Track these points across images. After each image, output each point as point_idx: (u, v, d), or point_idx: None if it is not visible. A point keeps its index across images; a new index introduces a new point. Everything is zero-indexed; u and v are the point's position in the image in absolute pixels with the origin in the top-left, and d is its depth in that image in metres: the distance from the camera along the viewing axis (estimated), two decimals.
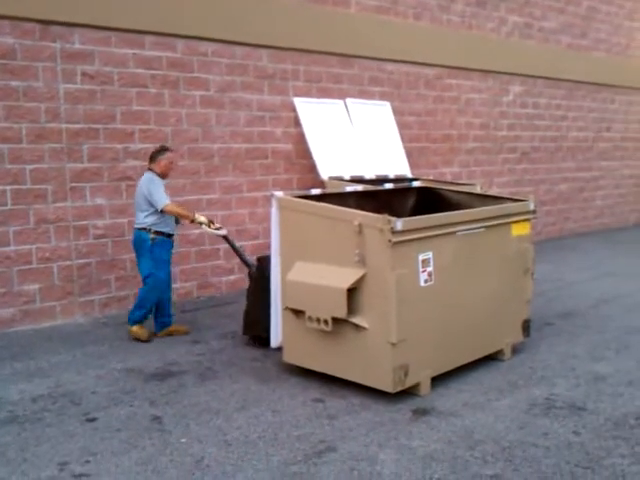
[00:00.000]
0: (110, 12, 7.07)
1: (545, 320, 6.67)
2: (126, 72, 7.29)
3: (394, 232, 4.34)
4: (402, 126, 9.86)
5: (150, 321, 6.32)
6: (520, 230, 5.52)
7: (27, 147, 6.67)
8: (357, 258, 4.51)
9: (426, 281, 4.63)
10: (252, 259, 6.20)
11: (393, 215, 4.43)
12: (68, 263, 6.95)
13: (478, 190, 7.22)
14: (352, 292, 4.54)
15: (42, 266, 6.80)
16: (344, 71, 9.37)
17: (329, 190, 6.58)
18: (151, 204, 6.05)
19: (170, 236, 6.23)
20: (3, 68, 6.50)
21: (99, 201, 7.13)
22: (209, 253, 7.99)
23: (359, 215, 4.55)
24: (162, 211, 6.04)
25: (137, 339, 6.14)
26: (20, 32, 6.59)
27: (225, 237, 6.26)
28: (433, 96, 10.67)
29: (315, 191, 5.67)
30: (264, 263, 5.80)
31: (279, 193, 5.17)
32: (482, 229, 5.10)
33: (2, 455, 3.87)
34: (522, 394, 4.70)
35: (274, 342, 5.35)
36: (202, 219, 6.16)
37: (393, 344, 4.43)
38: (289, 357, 5.17)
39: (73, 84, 6.93)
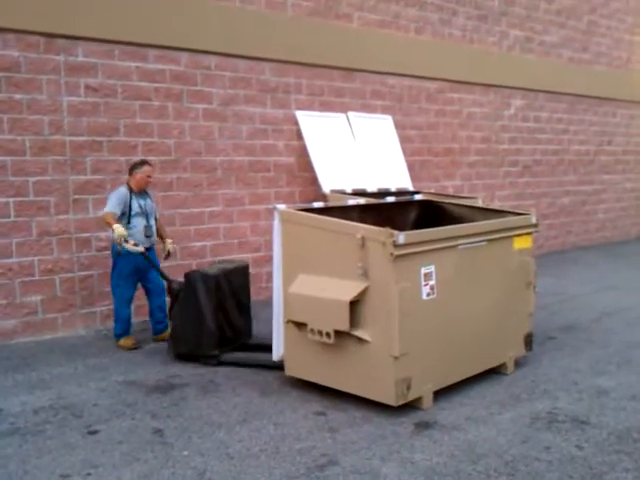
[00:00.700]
0: (114, 25, 7.12)
1: (547, 334, 6.66)
2: (129, 85, 7.33)
3: (396, 245, 4.34)
4: (404, 139, 9.89)
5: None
6: (522, 244, 5.52)
7: (30, 159, 6.70)
8: (360, 271, 4.51)
9: (428, 294, 4.63)
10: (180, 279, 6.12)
11: (395, 228, 4.44)
12: (70, 275, 6.96)
13: (480, 203, 7.24)
14: (354, 305, 4.54)
15: (44, 278, 6.80)
16: (346, 85, 9.41)
17: (331, 203, 6.60)
18: (120, 216, 6.21)
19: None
20: (7, 81, 6.55)
21: (102, 213, 7.14)
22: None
23: (362, 228, 4.55)
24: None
25: (125, 349, 6.31)
26: (24, 45, 6.64)
27: (143, 254, 6.10)
28: (435, 110, 10.71)
29: (317, 204, 5.68)
30: (192, 279, 5.83)
31: (281, 206, 5.18)
32: (484, 243, 5.11)
33: (3, 467, 3.86)
34: (525, 408, 4.68)
35: (276, 355, 5.34)
36: (119, 231, 5.94)
37: (395, 357, 4.42)
38: (291, 370, 5.17)
39: (77, 97, 6.97)
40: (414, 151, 10.30)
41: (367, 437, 4.20)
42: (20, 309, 6.68)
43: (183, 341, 5.86)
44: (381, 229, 4.42)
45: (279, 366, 5.36)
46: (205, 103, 7.97)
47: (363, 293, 4.53)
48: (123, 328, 6.39)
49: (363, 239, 4.47)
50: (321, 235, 4.78)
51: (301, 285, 4.87)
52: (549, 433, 4.24)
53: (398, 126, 9.84)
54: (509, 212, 5.95)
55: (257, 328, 6.91)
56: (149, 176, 6.46)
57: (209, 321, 5.75)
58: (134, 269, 6.30)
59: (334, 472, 3.73)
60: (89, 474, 3.76)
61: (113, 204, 6.21)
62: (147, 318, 6.72)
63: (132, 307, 6.52)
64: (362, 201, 6.25)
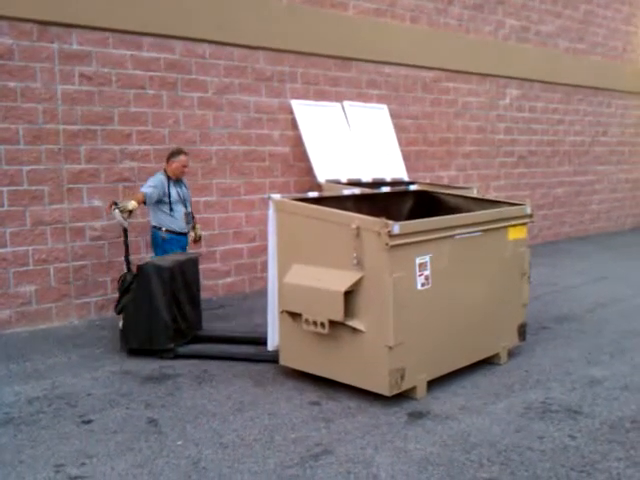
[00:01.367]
0: (108, 13, 7.07)
1: (541, 324, 6.68)
2: (124, 73, 7.29)
3: (391, 235, 4.34)
4: (399, 129, 9.88)
5: None
6: (517, 234, 5.53)
7: (24, 148, 6.67)
8: (354, 261, 4.51)
9: (423, 284, 4.64)
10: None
11: (390, 218, 4.44)
12: (64, 265, 6.95)
13: (475, 194, 7.25)
14: (349, 295, 4.55)
15: (38, 268, 6.79)
16: (341, 74, 9.38)
17: (326, 193, 6.59)
18: (161, 203, 6.44)
19: (180, 234, 6.59)
20: (1, 69, 6.50)
21: (96, 202, 7.13)
22: (205, 256, 7.98)
23: (357, 218, 4.55)
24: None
25: None
26: (18, 32, 6.59)
27: (125, 230, 6.16)
28: (430, 99, 10.69)
29: (312, 194, 5.67)
30: (145, 271, 5.69)
31: (276, 196, 5.17)
32: (479, 233, 5.11)
33: None
34: (518, 398, 4.71)
35: (270, 345, 5.35)
36: (131, 204, 6.16)
37: (390, 347, 4.43)
38: (285, 360, 5.18)
39: (71, 85, 6.93)
40: (409, 141, 10.28)
41: (361, 427, 4.22)
42: (14, 299, 6.66)
43: (135, 335, 5.71)
44: (376, 219, 4.42)
45: (240, 357, 5.58)
46: (200, 92, 7.94)
47: (358, 283, 4.53)
48: None
49: (358, 229, 4.47)
50: (316, 225, 4.78)
51: (296, 275, 4.87)
52: (542, 423, 4.26)
53: (394, 115, 9.83)
54: (504, 202, 5.96)
55: (255, 319, 6.94)
56: (184, 165, 6.68)
57: (164, 314, 5.66)
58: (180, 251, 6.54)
59: (328, 461, 3.75)
60: (83, 464, 3.77)
61: (147, 185, 6.45)
62: None
63: None
64: (357, 191, 6.25)
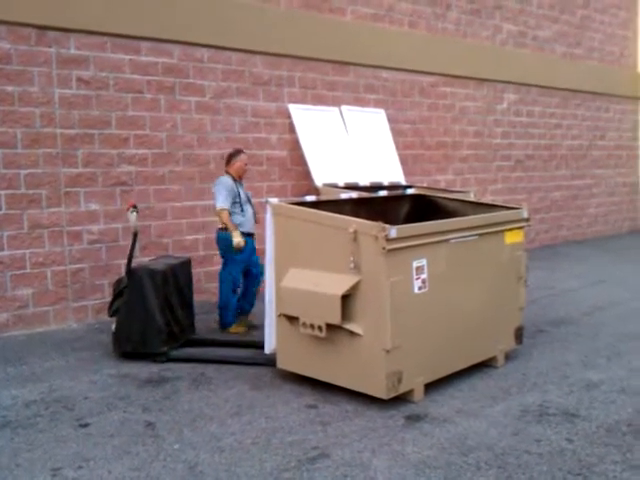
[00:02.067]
0: (106, 18, 7.09)
1: (538, 327, 6.69)
2: (121, 77, 7.31)
3: (388, 239, 4.35)
4: (396, 133, 9.90)
5: None
6: (513, 238, 5.54)
7: (22, 152, 6.67)
8: (352, 265, 4.52)
9: (420, 288, 4.65)
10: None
11: (387, 222, 4.44)
12: (62, 268, 6.95)
13: (472, 198, 7.26)
14: (346, 299, 4.55)
15: (36, 271, 6.79)
16: (339, 78, 9.40)
17: (323, 197, 6.60)
18: (233, 205, 6.46)
19: (249, 234, 6.60)
20: None
21: (93, 206, 7.13)
22: (202, 259, 7.99)
23: (354, 222, 4.56)
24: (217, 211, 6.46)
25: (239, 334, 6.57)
26: (16, 37, 6.60)
27: (135, 234, 6.02)
28: (428, 104, 10.72)
29: (310, 198, 5.68)
30: (138, 274, 5.68)
31: (274, 199, 5.18)
32: (476, 237, 5.12)
33: None
34: (515, 401, 4.71)
35: (268, 348, 5.35)
36: (238, 241, 6.30)
37: (387, 351, 4.43)
38: (283, 363, 5.18)
39: (68, 89, 6.94)
40: (407, 145, 10.30)
41: (358, 430, 4.22)
42: (11, 302, 6.66)
43: (128, 339, 5.68)
44: (373, 223, 4.43)
45: (232, 361, 5.60)
46: (197, 96, 7.95)
47: (355, 287, 4.53)
48: (234, 316, 6.64)
49: (355, 233, 4.48)
50: (313, 229, 4.79)
51: (293, 279, 4.88)
52: (539, 426, 4.27)
53: (391, 120, 9.85)
54: (501, 206, 5.97)
55: (252, 321, 6.92)
56: (246, 164, 6.74)
57: (157, 317, 5.66)
58: (247, 257, 6.55)
59: (325, 465, 3.75)
60: (80, 467, 3.76)
61: (224, 197, 6.40)
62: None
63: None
64: (354, 195, 6.26)
